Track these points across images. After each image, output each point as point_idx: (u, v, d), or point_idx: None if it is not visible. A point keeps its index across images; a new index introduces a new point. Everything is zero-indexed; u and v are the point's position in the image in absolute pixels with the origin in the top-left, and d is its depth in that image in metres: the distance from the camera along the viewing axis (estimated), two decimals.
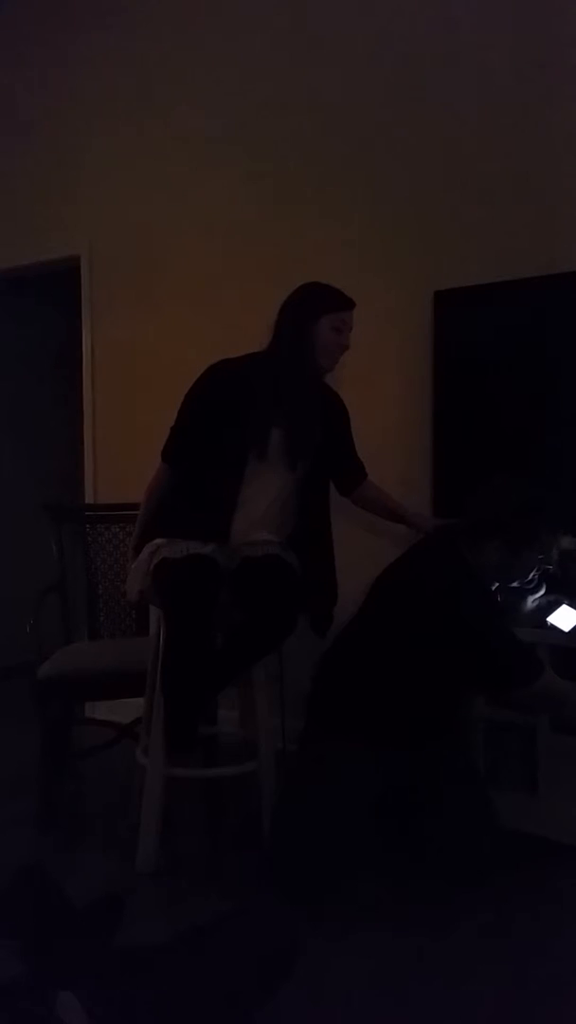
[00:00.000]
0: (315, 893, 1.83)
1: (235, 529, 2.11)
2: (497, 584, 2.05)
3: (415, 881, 1.90)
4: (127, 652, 2.46)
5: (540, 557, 2.04)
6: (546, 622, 2.11)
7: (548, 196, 2.52)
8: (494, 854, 1.95)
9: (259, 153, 3.00)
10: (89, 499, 3.40)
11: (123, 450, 3.32)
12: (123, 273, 3.34)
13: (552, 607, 2.12)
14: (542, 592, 2.16)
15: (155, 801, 2.02)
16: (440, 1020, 1.48)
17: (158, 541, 2.10)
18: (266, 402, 2.10)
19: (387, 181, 2.78)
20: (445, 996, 1.53)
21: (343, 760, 1.90)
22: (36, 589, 2.59)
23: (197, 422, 2.19)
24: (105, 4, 3.35)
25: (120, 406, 3.37)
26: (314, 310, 2.15)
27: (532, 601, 2.16)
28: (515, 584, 2.07)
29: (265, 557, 2.08)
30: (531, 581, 2.07)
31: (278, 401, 2.11)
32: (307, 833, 1.88)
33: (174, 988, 1.23)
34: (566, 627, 2.08)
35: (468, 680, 1.98)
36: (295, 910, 1.76)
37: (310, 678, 2.09)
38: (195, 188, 3.14)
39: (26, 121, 3.57)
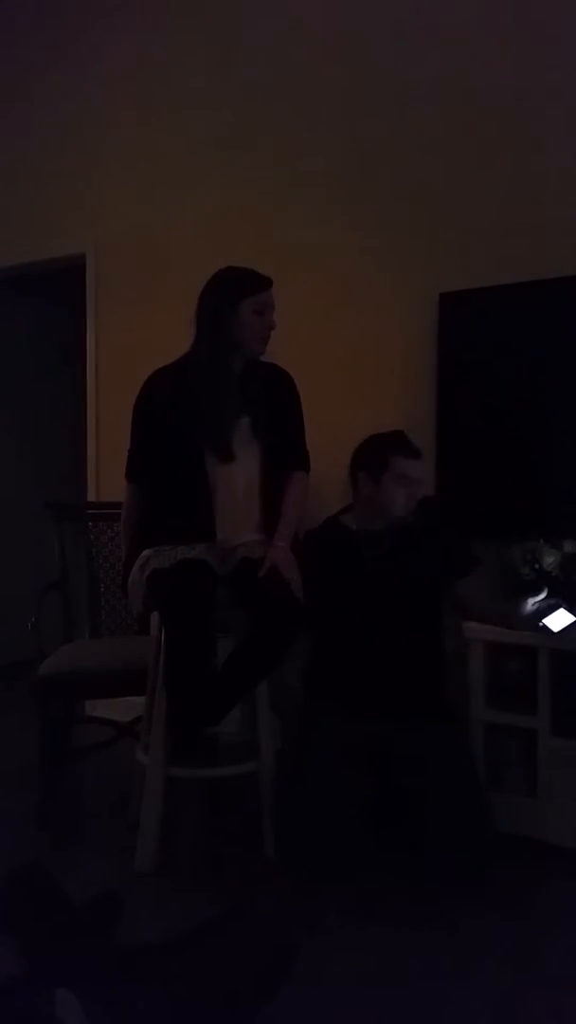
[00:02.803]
0: (320, 875, 1.88)
1: (220, 527, 2.10)
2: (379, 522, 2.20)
3: (414, 880, 1.91)
4: (128, 650, 2.46)
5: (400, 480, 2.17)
6: (542, 625, 2.11)
7: (554, 199, 2.52)
8: (489, 851, 1.95)
9: (263, 154, 3.00)
10: (91, 497, 3.39)
11: (125, 448, 3.30)
12: (128, 271, 3.34)
13: (550, 610, 2.13)
14: (542, 596, 2.16)
15: (155, 800, 2.03)
16: (440, 1019, 1.48)
17: (145, 553, 2.10)
18: (194, 398, 2.11)
19: (392, 183, 2.78)
20: (445, 996, 1.53)
21: (338, 744, 1.98)
22: (37, 587, 2.59)
23: (148, 436, 2.21)
24: (109, 4, 3.35)
25: (123, 404, 3.32)
26: (231, 297, 2.11)
27: (532, 604, 2.16)
28: (389, 514, 2.17)
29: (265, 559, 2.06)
30: (399, 508, 2.17)
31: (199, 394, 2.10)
32: (308, 826, 1.91)
33: (173, 988, 1.23)
34: (556, 627, 2.09)
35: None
36: (295, 910, 1.77)
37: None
38: (200, 187, 3.14)
39: (32, 120, 3.57)
